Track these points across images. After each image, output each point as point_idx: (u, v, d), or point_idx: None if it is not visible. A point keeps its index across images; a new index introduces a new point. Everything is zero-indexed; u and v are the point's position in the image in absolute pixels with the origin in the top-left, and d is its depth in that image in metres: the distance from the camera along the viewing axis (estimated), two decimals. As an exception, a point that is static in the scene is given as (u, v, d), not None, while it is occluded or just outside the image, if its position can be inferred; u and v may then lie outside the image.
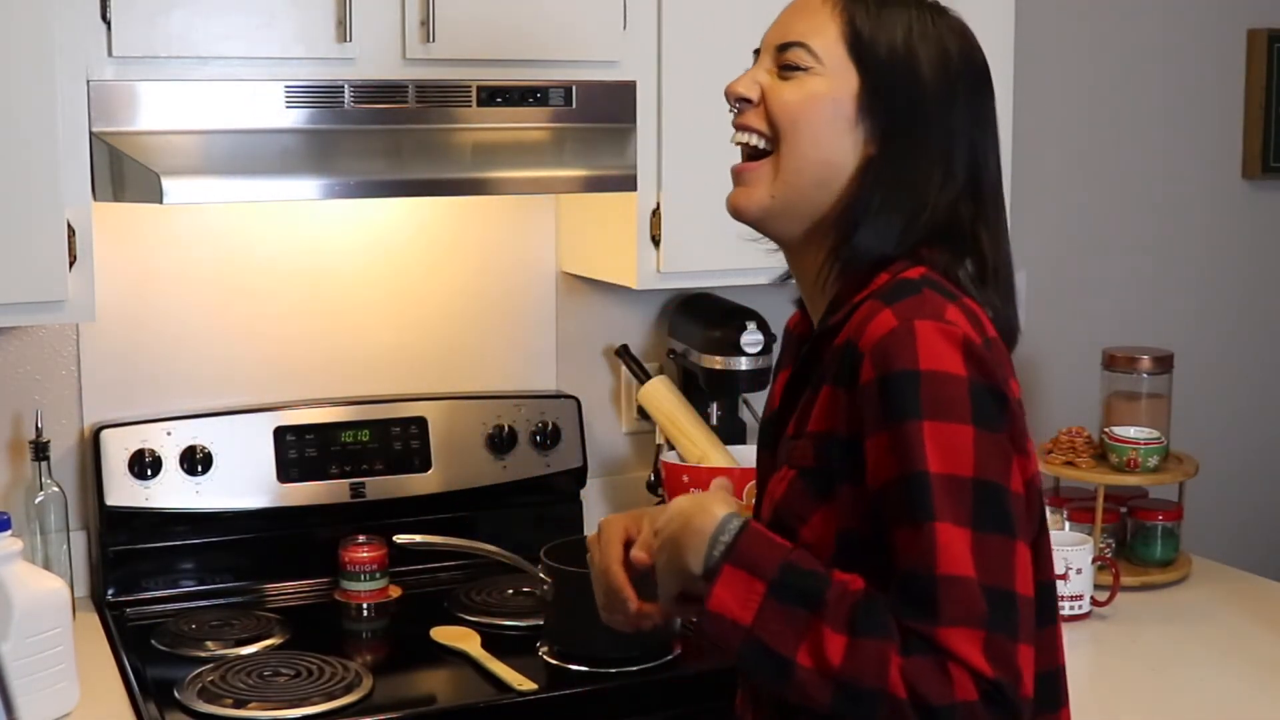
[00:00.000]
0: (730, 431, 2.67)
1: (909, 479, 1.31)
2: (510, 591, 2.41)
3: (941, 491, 1.29)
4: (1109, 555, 2.51)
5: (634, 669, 2.11)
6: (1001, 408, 1.35)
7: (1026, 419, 1.42)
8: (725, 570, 1.36)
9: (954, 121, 1.45)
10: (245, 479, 2.41)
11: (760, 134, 1.47)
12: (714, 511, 1.41)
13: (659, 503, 2.66)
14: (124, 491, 2.34)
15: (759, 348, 2.57)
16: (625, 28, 2.34)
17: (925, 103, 1.44)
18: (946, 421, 1.31)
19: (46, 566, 2.26)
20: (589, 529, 2.66)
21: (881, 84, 1.43)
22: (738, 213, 1.51)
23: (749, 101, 1.48)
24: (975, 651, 1.26)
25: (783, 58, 1.46)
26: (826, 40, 1.44)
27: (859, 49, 1.43)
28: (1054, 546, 2.29)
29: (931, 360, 1.32)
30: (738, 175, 1.51)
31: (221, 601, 2.41)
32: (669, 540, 1.43)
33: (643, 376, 2.67)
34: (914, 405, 1.31)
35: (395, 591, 2.41)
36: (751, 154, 1.49)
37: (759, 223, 1.50)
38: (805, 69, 1.44)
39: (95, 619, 2.32)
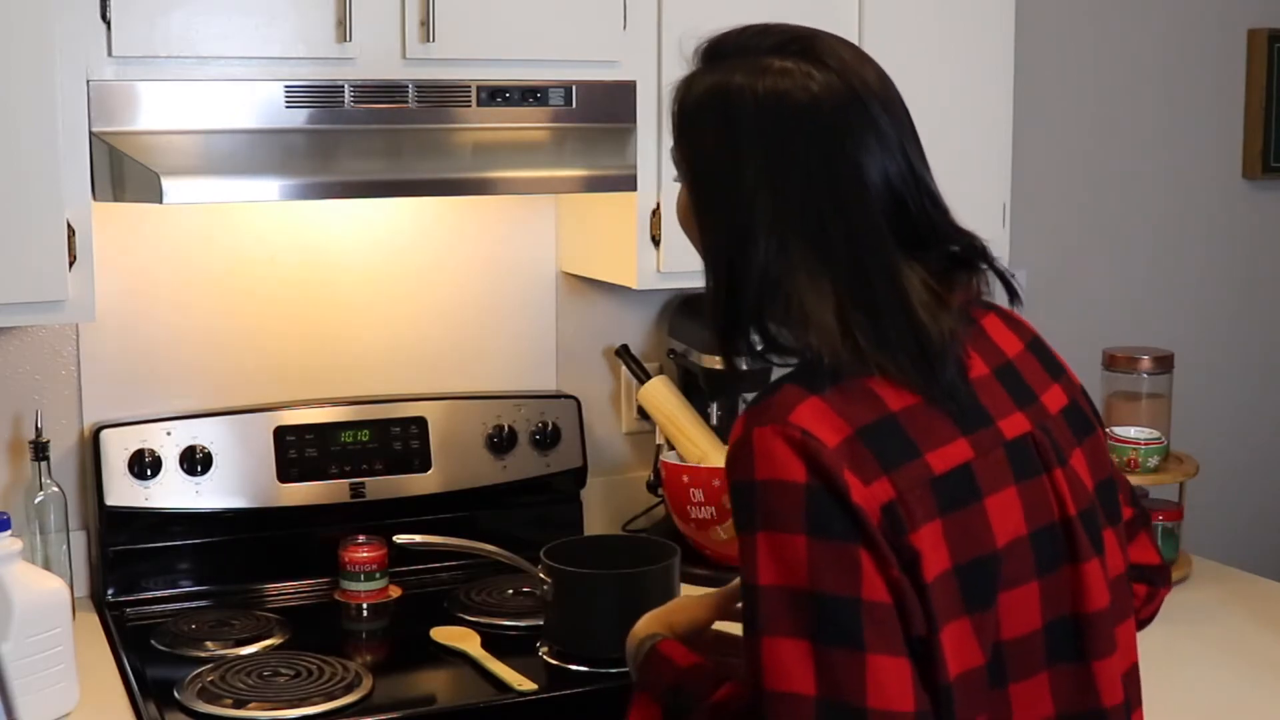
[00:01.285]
0: (730, 431, 2.66)
1: (747, 591, 1.28)
2: (510, 591, 2.41)
3: (773, 605, 1.25)
4: (1109, 555, 2.51)
5: (634, 669, 2.11)
6: (846, 513, 1.26)
7: (925, 502, 1.29)
8: (636, 696, 1.49)
9: (749, 187, 1.35)
10: (245, 479, 2.41)
11: None
12: (637, 634, 1.54)
13: (659, 503, 2.66)
14: (124, 491, 2.34)
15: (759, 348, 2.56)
16: (625, 28, 2.34)
17: (717, 182, 1.38)
18: (780, 532, 1.26)
19: (46, 566, 2.26)
20: (589, 529, 2.67)
21: (689, 182, 1.41)
22: None
23: None
24: None
25: None
26: (674, 143, 1.45)
27: (682, 148, 1.43)
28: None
29: (767, 469, 1.27)
30: None
31: (221, 601, 2.41)
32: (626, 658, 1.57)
33: (643, 376, 2.67)
34: (751, 516, 1.27)
35: (395, 591, 2.41)
36: None
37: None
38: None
39: (95, 619, 2.32)
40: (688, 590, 2.28)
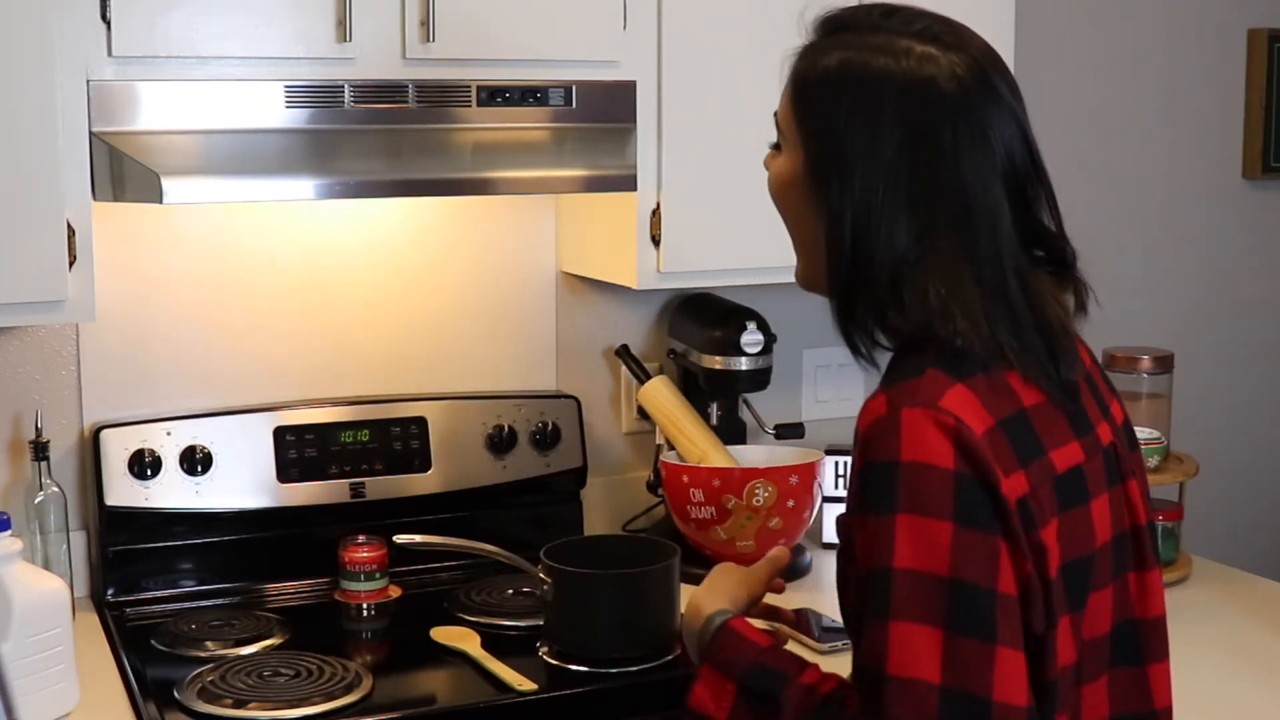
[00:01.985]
0: (730, 431, 2.67)
1: (877, 573, 1.27)
2: (510, 591, 2.41)
3: (908, 589, 1.24)
4: (1109, 555, 2.51)
5: (634, 669, 2.11)
6: (993, 503, 1.27)
7: (1052, 502, 1.33)
8: (704, 670, 1.44)
9: (888, 166, 1.35)
10: (245, 479, 2.41)
11: None
12: (704, 610, 1.51)
13: (659, 503, 2.66)
14: (124, 491, 2.34)
15: (759, 348, 2.57)
16: (625, 28, 2.34)
17: (848, 157, 1.36)
18: (925, 516, 1.25)
19: (46, 566, 2.26)
20: (589, 529, 2.67)
21: (810, 153, 1.39)
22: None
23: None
24: None
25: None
26: (784, 111, 1.43)
27: (801, 117, 1.40)
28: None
29: (915, 451, 1.26)
30: None
31: (221, 601, 2.41)
32: (684, 632, 1.56)
33: (643, 376, 2.67)
34: (892, 498, 1.26)
35: (395, 591, 2.41)
36: None
37: (812, 291, 1.48)
38: (778, 144, 1.45)
39: (95, 619, 2.32)
40: (687, 590, 2.29)
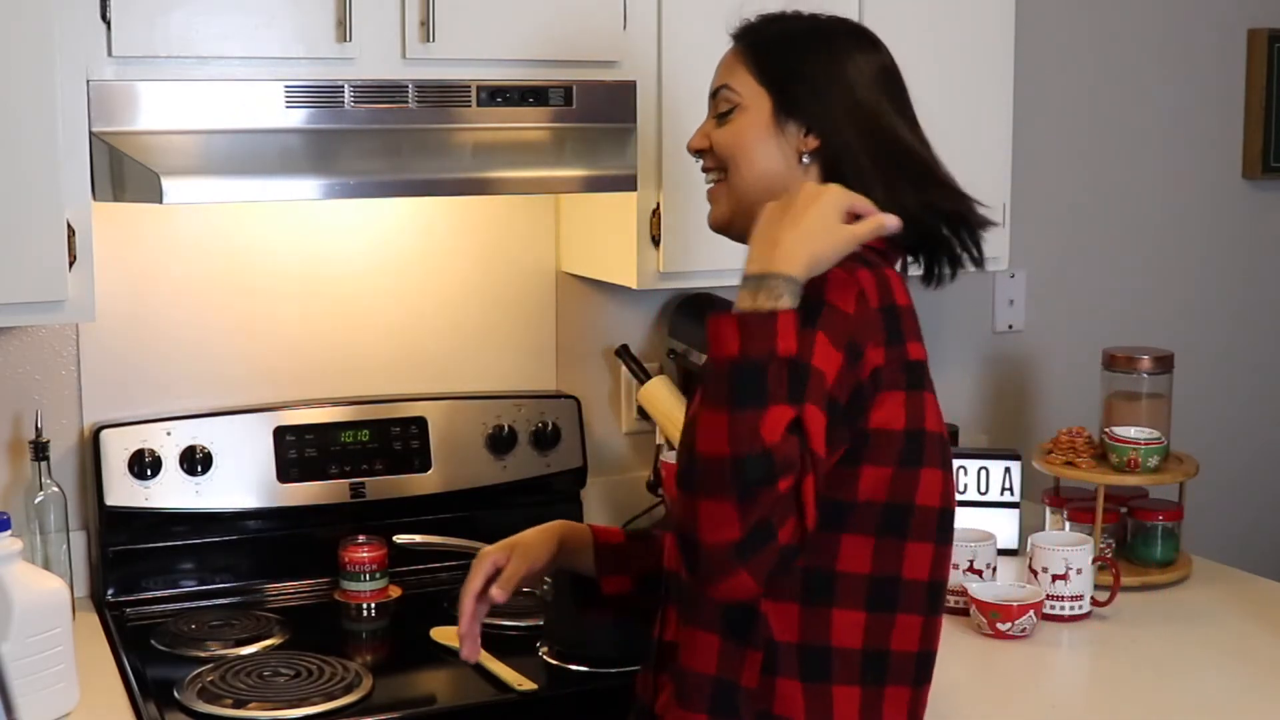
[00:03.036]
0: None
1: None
2: (510, 591, 2.41)
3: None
4: (1109, 555, 2.51)
5: (634, 669, 2.11)
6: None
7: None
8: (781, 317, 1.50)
9: (848, 85, 1.71)
10: (245, 479, 2.41)
11: (717, 170, 1.77)
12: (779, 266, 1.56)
13: (659, 503, 2.66)
14: (124, 491, 2.34)
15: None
16: (625, 28, 2.34)
17: (819, 81, 1.70)
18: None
19: (46, 566, 2.26)
20: (589, 529, 2.67)
21: (786, 92, 1.71)
22: (710, 226, 1.80)
23: (703, 151, 1.78)
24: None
25: (715, 104, 1.76)
26: (739, 77, 1.74)
27: (762, 73, 1.73)
28: (1055, 547, 2.32)
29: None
30: (708, 197, 1.80)
31: (221, 601, 2.41)
32: (800, 212, 1.56)
33: (643, 376, 2.67)
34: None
35: (395, 591, 2.41)
36: (716, 181, 1.79)
37: (724, 231, 1.78)
38: (732, 107, 1.74)
39: (95, 619, 2.32)
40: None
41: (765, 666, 1.59)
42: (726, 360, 1.46)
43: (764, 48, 1.74)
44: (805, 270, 1.51)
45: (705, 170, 1.79)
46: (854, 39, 1.76)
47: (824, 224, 1.52)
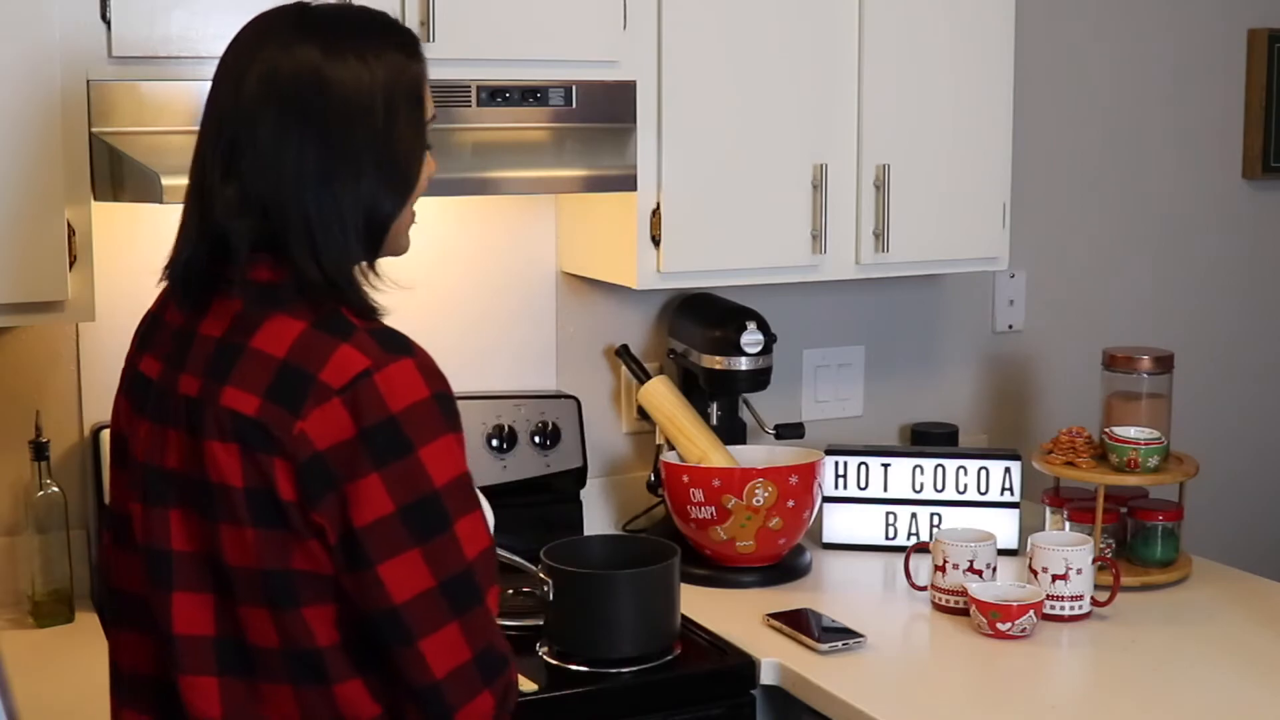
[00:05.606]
0: (730, 431, 2.67)
1: None
2: (510, 591, 2.40)
3: None
4: (1109, 555, 2.51)
5: (634, 669, 2.11)
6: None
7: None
8: None
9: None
10: (245, 479, 2.41)
11: None
12: None
13: (659, 503, 2.66)
14: (124, 491, 2.34)
15: (759, 348, 2.57)
16: (625, 28, 2.34)
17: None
18: None
19: (47, 566, 2.26)
20: (589, 529, 2.67)
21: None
22: None
23: None
24: None
25: None
26: None
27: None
28: (1055, 547, 2.32)
29: None
30: None
31: (221, 601, 2.40)
32: None
33: (643, 376, 2.67)
34: None
35: (395, 591, 2.41)
36: None
37: None
38: None
39: (95, 619, 2.32)
40: (687, 590, 2.29)
41: None
42: None
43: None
44: None
45: None
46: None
47: None
